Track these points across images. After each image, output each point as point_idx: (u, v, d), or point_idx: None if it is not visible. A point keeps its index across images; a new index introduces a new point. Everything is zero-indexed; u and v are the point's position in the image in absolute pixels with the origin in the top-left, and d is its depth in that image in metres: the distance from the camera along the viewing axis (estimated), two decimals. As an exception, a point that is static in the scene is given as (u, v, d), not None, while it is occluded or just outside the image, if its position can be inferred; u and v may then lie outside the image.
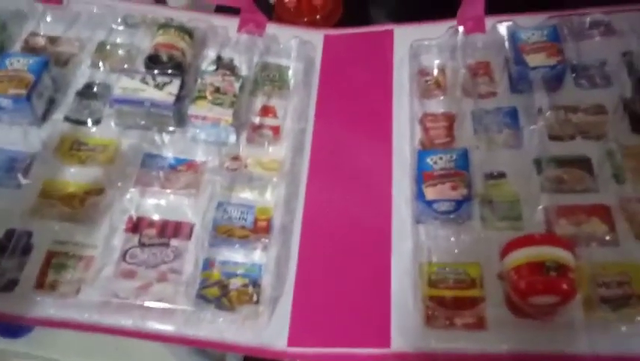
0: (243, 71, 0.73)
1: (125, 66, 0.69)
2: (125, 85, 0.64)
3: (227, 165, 0.65)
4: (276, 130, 0.69)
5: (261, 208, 0.62)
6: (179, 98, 0.65)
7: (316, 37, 0.78)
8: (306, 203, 0.63)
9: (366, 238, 0.60)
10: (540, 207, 0.56)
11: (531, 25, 0.68)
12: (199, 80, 0.66)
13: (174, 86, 0.65)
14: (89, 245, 0.58)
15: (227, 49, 0.75)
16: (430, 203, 0.55)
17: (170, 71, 0.66)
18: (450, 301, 0.53)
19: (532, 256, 0.47)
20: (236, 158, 0.66)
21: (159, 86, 0.65)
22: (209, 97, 0.65)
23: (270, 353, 0.53)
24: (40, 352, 0.92)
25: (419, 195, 0.56)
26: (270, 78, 0.74)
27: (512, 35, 0.67)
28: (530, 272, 0.47)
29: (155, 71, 0.67)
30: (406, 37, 0.74)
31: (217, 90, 0.65)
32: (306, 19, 0.85)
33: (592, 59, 0.66)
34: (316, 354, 0.53)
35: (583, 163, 0.59)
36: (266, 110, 0.71)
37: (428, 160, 0.58)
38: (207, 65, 0.74)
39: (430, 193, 0.56)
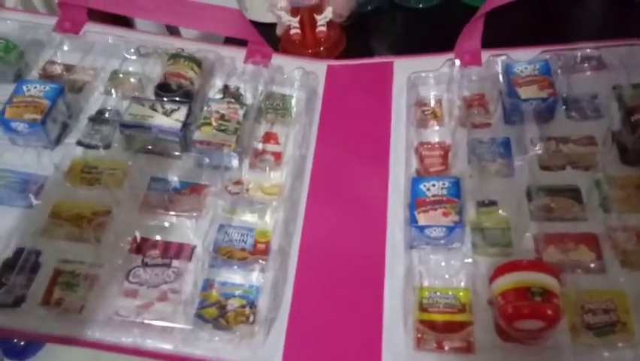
0: (248, 99, 0.76)
1: (136, 94, 0.72)
2: (134, 111, 0.67)
3: (230, 188, 0.68)
4: (278, 156, 0.72)
5: (260, 231, 0.65)
6: (186, 125, 0.68)
7: (319, 68, 0.81)
8: (304, 227, 0.65)
9: (361, 262, 0.61)
10: (529, 234, 0.57)
11: (525, 58, 0.71)
12: (205, 108, 0.69)
13: (181, 114, 0.68)
14: (94, 264, 0.60)
15: (233, 78, 0.79)
16: (422, 228, 0.57)
17: (177, 99, 0.69)
18: (440, 325, 0.54)
19: (519, 282, 0.49)
20: (238, 182, 0.69)
21: (167, 113, 0.68)
22: (214, 123, 0.68)
23: (264, 373, 0.55)
24: None
25: (412, 220, 0.58)
26: (274, 106, 0.77)
27: (506, 69, 0.69)
28: (516, 297, 0.48)
29: (164, 99, 0.70)
30: (405, 68, 0.77)
31: (222, 117, 0.68)
32: (310, 51, 0.89)
33: (583, 92, 0.69)
34: (309, 374, 0.54)
35: (572, 193, 0.60)
36: (268, 137, 0.74)
37: (421, 187, 0.60)
38: (215, 93, 0.77)
39: (423, 219, 0.57)
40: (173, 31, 1.04)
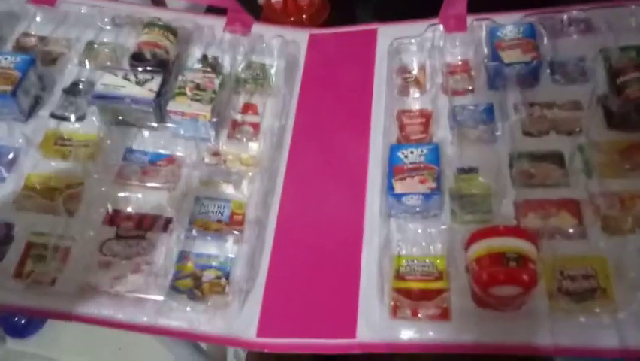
0: (227, 69, 0.74)
1: (108, 64, 0.71)
2: (106, 82, 0.66)
3: (207, 160, 0.67)
4: (256, 127, 0.70)
5: (237, 203, 0.63)
6: (160, 95, 0.66)
7: (301, 37, 0.79)
8: (282, 198, 0.64)
9: (340, 232, 0.60)
10: (509, 200, 0.56)
11: (510, 22, 0.68)
12: (180, 77, 0.68)
13: (155, 83, 0.66)
14: (66, 237, 0.59)
15: (212, 47, 0.77)
16: (398, 196, 0.56)
17: (151, 69, 0.67)
18: (416, 293, 0.53)
19: (493, 247, 0.47)
20: (215, 154, 0.67)
21: (140, 83, 0.66)
22: (189, 93, 0.66)
23: (239, 343, 0.54)
24: (47, 353, 0.94)
25: (389, 188, 0.57)
26: (254, 77, 0.75)
27: (489, 33, 0.67)
28: (491, 263, 0.47)
29: (139, 69, 0.68)
30: (389, 35, 0.75)
31: (197, 87, 0.67)
32: (292, 19, 0.87)
33: (569, 56, 0.67)
34: (283, 344, 0.54)
35: (555, 158, 0.59)
36: (247, 108, 0.72)
37: (399, 154, 0.59)
38: (193, 63, 0.75)
39: (399, 187, 0.56)
40: (158, 2, 1.01)
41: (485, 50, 0.67)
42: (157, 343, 0.81)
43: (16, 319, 1.02)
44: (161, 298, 0.55)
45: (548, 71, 0.65)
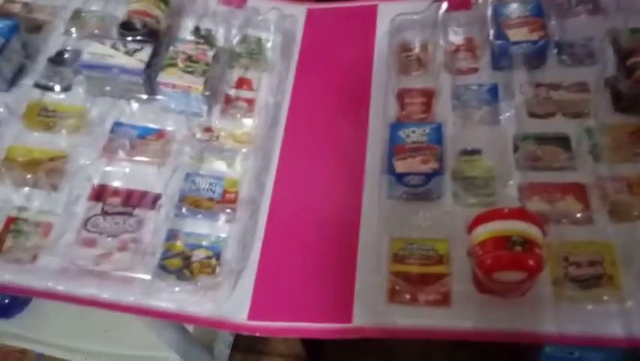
0: (221, 42, 0.71)
1: (96, 32, 0.67)
2: (94, 50, 0.63)
3: (199, 136, 0.64)
4: (251, 102, 0.67)
5: (230, 180, 0.61)
6: (150, 66, 0.63)
7: (299, 11, 0.76)
8: (276, 177, 0.61)
9: (336, 213, 0.58)
10: (513, 183, 0.54)
11: (516, 0, 0.66)
12: (171, 48, 0.64)
13: (145, 53, 0.63)
14: (48, 212, 0.56)
15: (205, 20, 0.73)
16: (399, 176, 0.54)
17: (140, 38, 0.64)
18: (415, 277, 0.51)
19: (499, 231, 0.45)
20: (208, 129, 0.64)
21: (130, 53, 0.63)
22: (181, 65, 0.63)
23: (229, 326, 0.52)
24: (31, 334, 0.91)
25: (389, 168, 0.54)
26: (249, 51, 0.72)
27: (495, 10, 0.64)
28: (495, 247, 0.45)
29: (128, 38, 0.65)
30: (390, 12, 0.72)
31: (189, 58, 0.64)
32: (290, -7, 0.83)
33: (577, 37, 0.64)
34: (275, 328, 0.52)
35: (561, 141, 0.57)
36: (241, 83, 0.69)
37: (400, 133, 0.56)
38: (185, 36, 0.72)
39: (400, 166, 0.54)
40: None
41: (490, 29, 0.64)
42: (143, 326, 0.79)
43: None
44: (148, 277, 0.53)
45: (555, 51, 0.63)
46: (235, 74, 0.70)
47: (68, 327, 0.88)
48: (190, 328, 0.81)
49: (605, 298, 0.46)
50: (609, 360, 0.62)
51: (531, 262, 0.44)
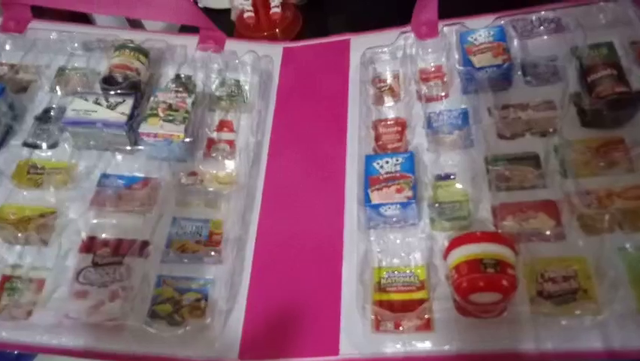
0: (201, 87, 0.73)
1: (79, 89, 0.70)
2: (77, 107, 0.65)
3: (184, 180, 0.66)
4: (232, 144, 0.69)
5: (216, 222, 0.63)
6: (133, 117, 0.65)
7: (275, 51, 0.79)
8: (260, 215, 0.63)
9: (319, 247, 0.59)
10: (487, 206, 0.55)
11: (481, 26, 0.68)
12: (152, 98, 0.67)
13: (127, 106, 0.65)
14: (41, 267, 0.58)
15: (185, 67, 0.76)
16: (376, 207, 0.55)
17: (121, 91, 0.67)
18: (398, 304, 0.52)
19: (471, 254, 0.47)
20: (192, 173, 0.67)
21: (112, 107, 0.65)
22: (162, 114, 0.65)
23: (220, 367, 0.53)
24: None
25: (366, 199, 0.56)
26: (229, 93, 0.74)
27: (460, 38, 0.67)
28: (469, 270, 0.46)
29: (110, 92, 0.67)
30: (362, 45, 0.75)
31: (169, 107, 0.66)
32: (266, 34, 0.86)
33: (541, 56, 0.66)
34: (265, 365, 0.53)
35: (531, 160, 0.58)
36: (222, 125, 0.71)
37: (374, 165, 0.58)
38: (167, 83, 0.74)
39: (376, 197, 0.55)
40: (135, 24, 1.01)
41: (457, 56, 0.67)
42: None
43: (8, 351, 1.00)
44: (139, 325, 0.54)
45: (519, 73, 0.65)
46: (217, 117, 0.72)
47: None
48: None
49: (580, 312, 0.47)
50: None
51: (504, 283, 0.46)
